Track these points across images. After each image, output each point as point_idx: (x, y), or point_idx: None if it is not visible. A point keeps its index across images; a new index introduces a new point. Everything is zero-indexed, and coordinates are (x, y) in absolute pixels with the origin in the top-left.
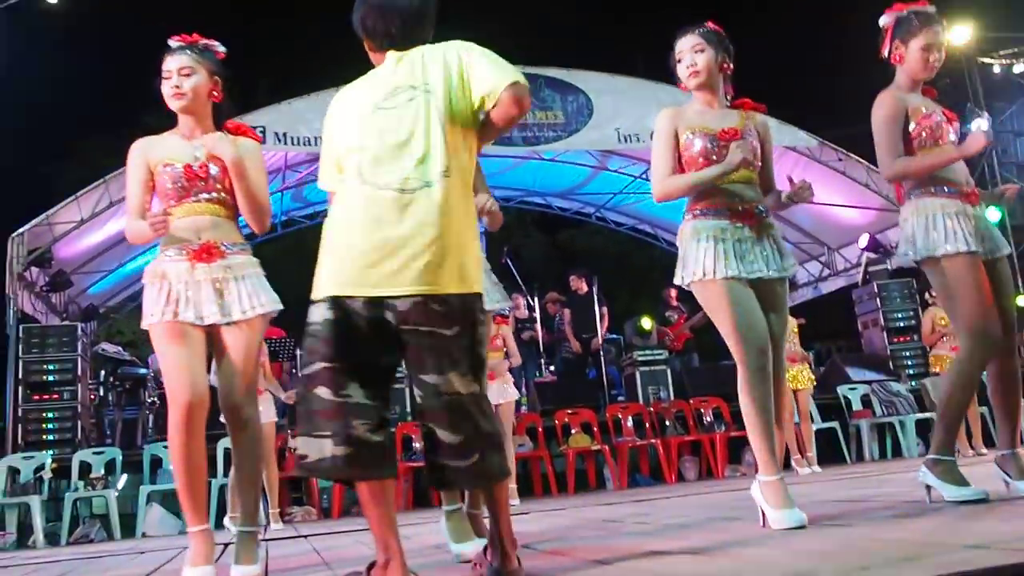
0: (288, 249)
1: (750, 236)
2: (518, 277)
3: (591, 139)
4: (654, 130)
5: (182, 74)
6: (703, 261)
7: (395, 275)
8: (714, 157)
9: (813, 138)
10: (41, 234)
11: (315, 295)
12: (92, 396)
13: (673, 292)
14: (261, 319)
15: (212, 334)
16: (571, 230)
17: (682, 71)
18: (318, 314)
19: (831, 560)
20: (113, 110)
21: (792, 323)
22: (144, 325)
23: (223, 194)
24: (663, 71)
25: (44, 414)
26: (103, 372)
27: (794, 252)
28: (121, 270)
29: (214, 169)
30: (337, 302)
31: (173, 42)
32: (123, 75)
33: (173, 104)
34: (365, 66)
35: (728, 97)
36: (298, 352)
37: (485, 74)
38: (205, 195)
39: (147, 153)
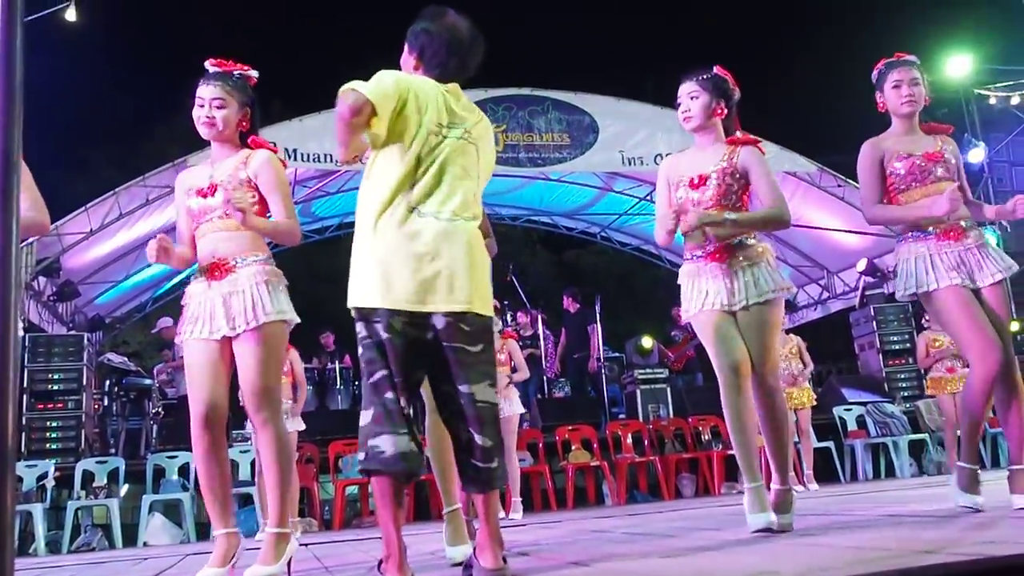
0: (295, 265)
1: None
2: (523, 295)
3: (597, 161)
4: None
5: (215, 105)
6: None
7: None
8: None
9: (812, 164)
10: (50, 244)
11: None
12: (96, 406)
13: (681, 312)
14: (272, 326)
15: (230, 347)
16: (576, 249)
17: (679, 115)
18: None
19: (795, 562)
20: (122, 123)
21: (793, 343)
22: (178, 342)
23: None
24: (672, 97)
25: (48, 423)
26: (108, 382)
27: (793, 275)
28: (128, 281)
29: (223, 187)
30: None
31: (210, 66)
32: (133, 90)
33: (203, 131)
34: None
35: (736, 132)
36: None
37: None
38: (215, 212)
39: (183, 184)
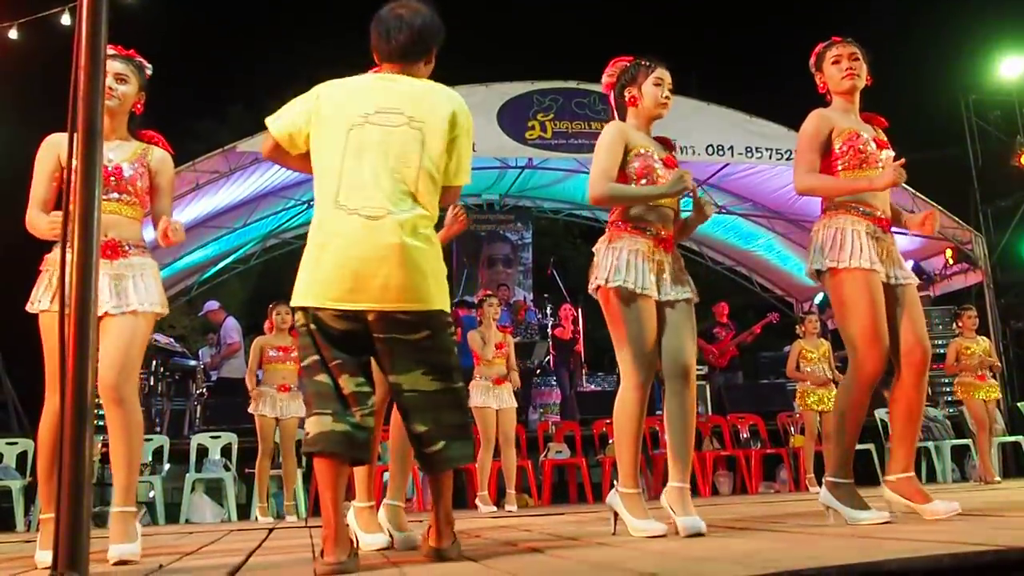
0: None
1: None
2: (563, 288)
3: None
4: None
5: (118, 79)
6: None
7: None
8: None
9: None
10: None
11: None
12: (142, 385)
13: (724, 308)
14: (151, 316)
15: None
16: None
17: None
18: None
19: (843, 552)
20: (173, 109)
21: (825, 346)
22: (31, 310)
23: (133, 196)
24: (716, 91)
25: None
26: (154, 362)
27: None
28: (175, 264)
29: (128, 172)
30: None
31: (110, 50)
32: (184, 75)
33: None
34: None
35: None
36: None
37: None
38: (115, 195)
39: (59, 150)
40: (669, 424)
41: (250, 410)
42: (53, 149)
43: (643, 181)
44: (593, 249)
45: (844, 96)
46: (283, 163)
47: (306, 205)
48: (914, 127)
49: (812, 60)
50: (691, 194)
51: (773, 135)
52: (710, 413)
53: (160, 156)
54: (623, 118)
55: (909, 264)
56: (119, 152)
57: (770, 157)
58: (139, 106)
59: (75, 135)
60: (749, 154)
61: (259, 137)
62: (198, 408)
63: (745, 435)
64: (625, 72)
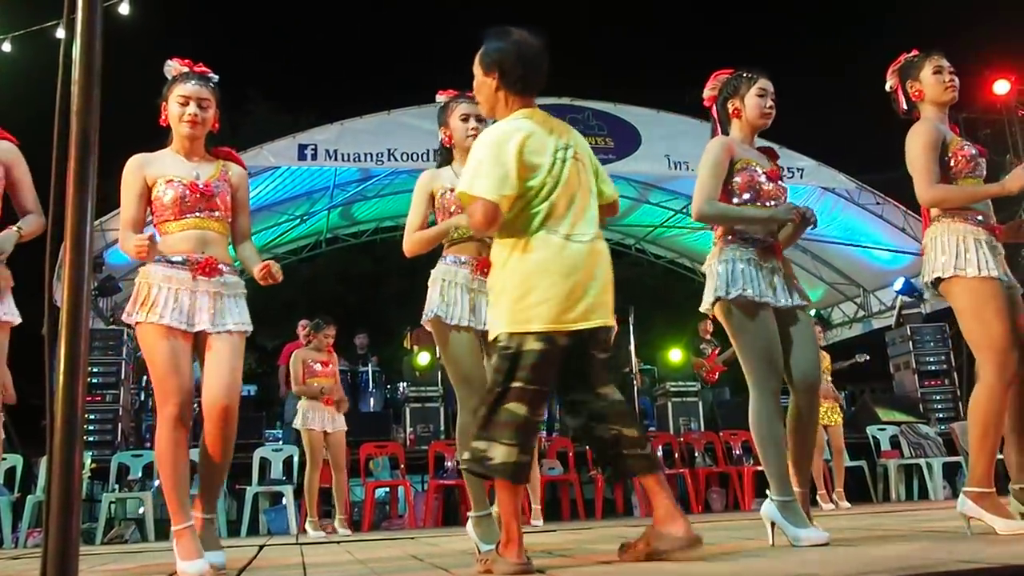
0: (329, 267)
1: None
2: None
3: (641, 166)
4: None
5: (202, 105)
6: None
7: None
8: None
9: (852, 181)
10: (94, 239)
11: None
12: (133, 400)
13: (708, 326)
14: (244, 336)
15: (199, 341)
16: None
17: (764, 110)
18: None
19: (833, 566)
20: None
21: (826, 360)
22: (128, 320)
23: (222, 213)
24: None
25: (86, 415)
26: (145, 377)
27: (829, 293)
28: None
29: (216, 189)
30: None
31: (181, 65)
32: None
33: (183, 129)
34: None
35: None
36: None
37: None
38: (208, 212)
39: (145, 169)
40: (794, 434)
41: (295, 424)
42: (138, 170)
43: (746, 195)
44: (703, 268)
45: (942, 107)
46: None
47: (299, 220)
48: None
49: (895, 69)
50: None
51: None
52: (702, 429)
53: (238, 172)
54: (726, 131)
55: (900, 280)
56: (204, 170)
57: None
58: (216, 124)
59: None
60: None
61: (251, 152)
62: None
63: (738, 451)
64: (727, 84)
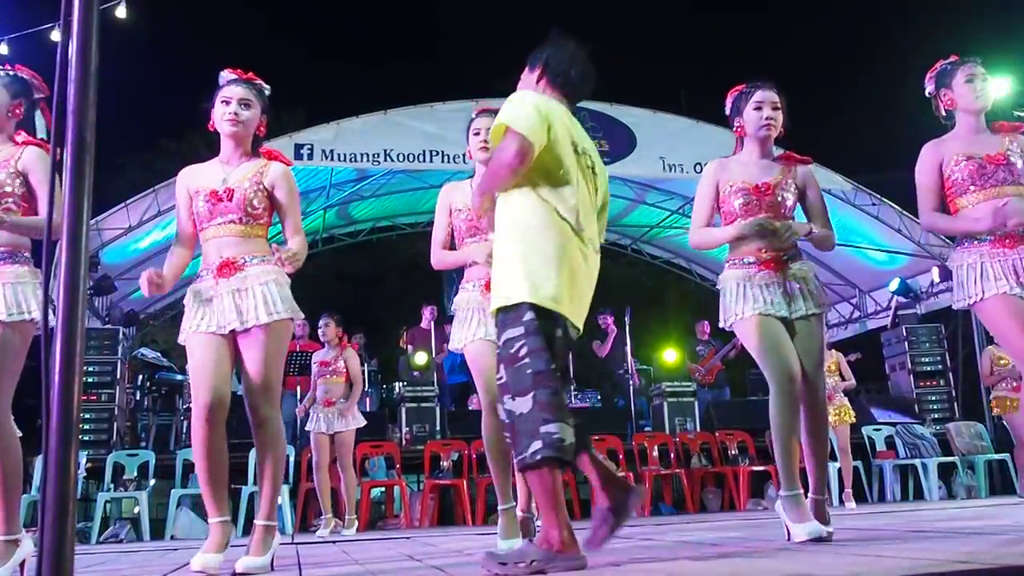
0: (326, 267)
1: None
2: None
3: (635, 169)
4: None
5: (242, 104)
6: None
7: None
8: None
9: (848, 182)
10: (90, 238)
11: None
12: (128, 400)
13: (706, 327)
14: (281, 324)
15: (235, 342)
16: (607, 261)
17: (761, 120)
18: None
19: (831, 567)
20: (164, 123)
21: (833, 358)
22: (180, 341)
23: (246, 215)
24: (708, 111)
25: (82, 415)
26: (141, 377)
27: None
28: None
29: (239, 193)
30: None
31: (231, 73)
32: (175, 89)
33: (225, 128)
34: (400, 99)
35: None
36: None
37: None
38: (228, 216)
39: (187, 181)
40: (805, 435)
41: (308, 428)
42: (181, 184)
43: (738, 213)
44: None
45: (976, 115)
46: (508, 183)
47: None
48: (899, 147)
49: (932, 77)
50: (772, 232)
51: None
52: (698, 430)
53: (276, 170)
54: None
55: (896, 280)
56: (236, 174)
57: None
58: (262, 128)
59: (60, 149)
60: None
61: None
62: (184, 423)
63: (733, 452)
64: (732, 105)
